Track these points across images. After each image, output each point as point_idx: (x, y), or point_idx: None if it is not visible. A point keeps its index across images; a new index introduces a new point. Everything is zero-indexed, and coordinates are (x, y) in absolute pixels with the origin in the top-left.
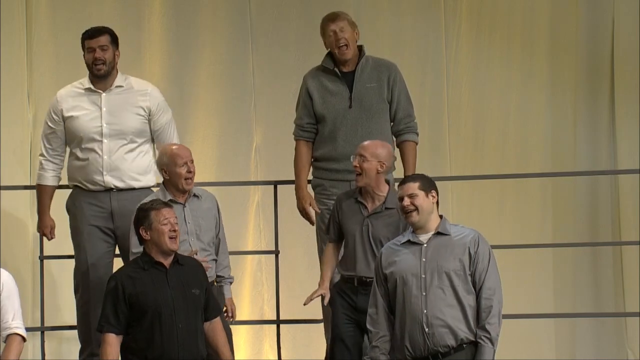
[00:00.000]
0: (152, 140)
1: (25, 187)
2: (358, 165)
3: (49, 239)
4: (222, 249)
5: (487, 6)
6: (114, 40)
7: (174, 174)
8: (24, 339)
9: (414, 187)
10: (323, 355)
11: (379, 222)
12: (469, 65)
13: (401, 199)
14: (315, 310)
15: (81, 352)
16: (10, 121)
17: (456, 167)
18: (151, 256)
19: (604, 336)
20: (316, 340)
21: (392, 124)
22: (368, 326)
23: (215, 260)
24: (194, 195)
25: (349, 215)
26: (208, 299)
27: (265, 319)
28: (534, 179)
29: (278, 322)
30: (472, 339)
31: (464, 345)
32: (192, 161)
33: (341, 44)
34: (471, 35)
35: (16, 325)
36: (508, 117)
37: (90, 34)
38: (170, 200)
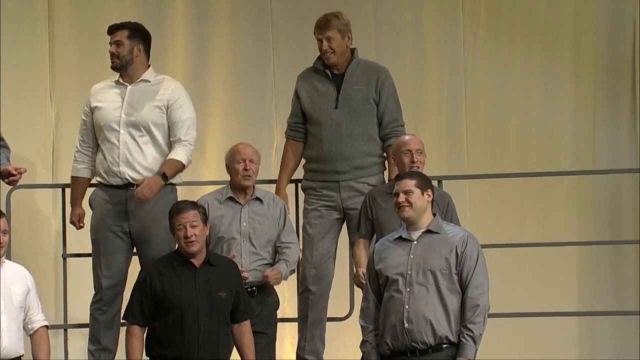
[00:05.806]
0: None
1: (48, 186)
2: (417, 160)
3: (77, 228)
4: (289, 251)
5: (507, 5)
6: (133, 34)
7: (232, 170)
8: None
9: (410, 184)
10: (344, 354)
11: None
12: (488, 63)
13: (397, 195)
14: (336, 309)
15: (90, 346)
16: (32, 120)
17: (474, 166)
18: (182, 254)
19: (625, 335)
20: (337, 338)
21: (379, 127)
22: (359, 320)
23: (270, 264)
24: (257, 198)
25: (387, 209)
26: (238, 302)
27: (286, 317)
28: (555, 177)
29: (299, 320)
30: (453, 339)
31: (443, 346)
32: (252, 160)
33: (326, 54)
34: (490, 33)
35: (43, 317)
36: (528, 115)
37: (109, 29)
38: (229, 197)
